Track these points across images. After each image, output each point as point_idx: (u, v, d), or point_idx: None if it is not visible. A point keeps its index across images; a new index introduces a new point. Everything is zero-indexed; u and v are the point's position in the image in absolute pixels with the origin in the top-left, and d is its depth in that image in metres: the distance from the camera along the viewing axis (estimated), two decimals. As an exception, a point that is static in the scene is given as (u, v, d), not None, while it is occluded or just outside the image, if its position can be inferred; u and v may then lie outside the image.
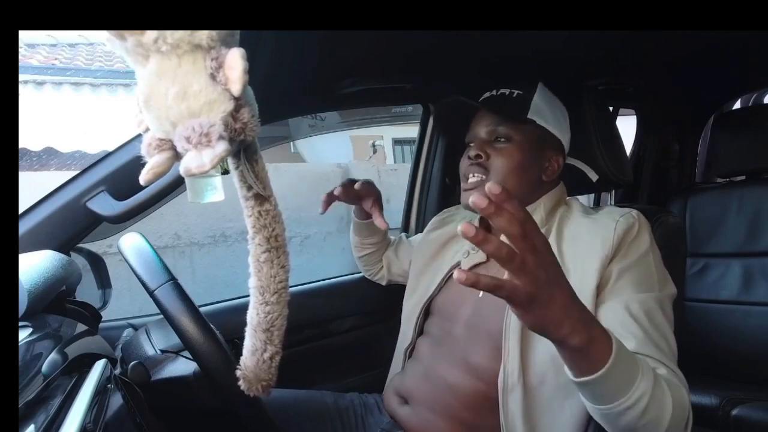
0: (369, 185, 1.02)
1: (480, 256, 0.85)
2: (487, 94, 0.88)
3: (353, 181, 1.01)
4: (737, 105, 1.85)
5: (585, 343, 0.49)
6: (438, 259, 0.96)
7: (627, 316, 0.69)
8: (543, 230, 0.80)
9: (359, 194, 1.02)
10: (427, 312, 0.93)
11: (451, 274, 0.90)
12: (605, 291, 0.72)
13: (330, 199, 1.00)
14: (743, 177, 1.55)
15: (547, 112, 0.84)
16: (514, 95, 0.84)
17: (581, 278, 0.73)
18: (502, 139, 0.82)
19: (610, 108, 1.45)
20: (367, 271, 1.18)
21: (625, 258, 0.72)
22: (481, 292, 0.75)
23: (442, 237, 0.98)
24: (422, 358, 0.88)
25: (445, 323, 0.87)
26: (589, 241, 0.75)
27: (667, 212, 1.01)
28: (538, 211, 0.83)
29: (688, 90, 1.52)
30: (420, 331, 0.93)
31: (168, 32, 0.43)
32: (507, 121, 0.82)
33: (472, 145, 0.85)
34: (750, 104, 1.92)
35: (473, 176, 0.83)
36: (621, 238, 0.73)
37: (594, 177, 0.93)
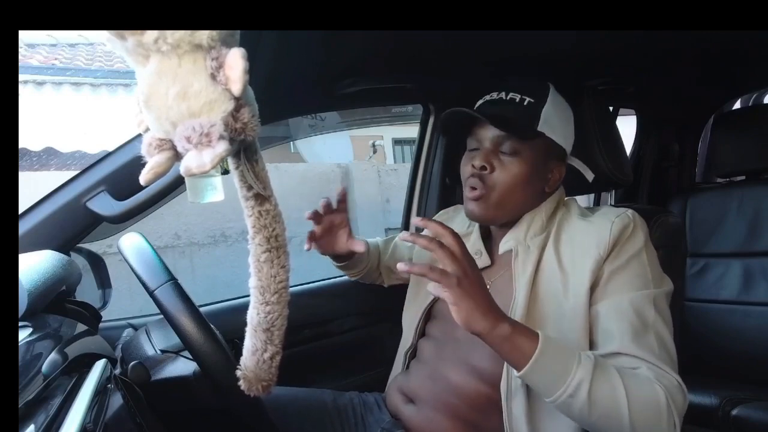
0: (340, 204, 0.93)
1: (483, 261, 0.84)
2: (494, 95, 0.82)
3: (328, 206, 0.92)
4: (737, 105, 1.85)
5: (510, 332, 0.60)
6: (437, 262, 0.95)
7: (615, 316, 0.69)
8: (543, 235, 0.80)
9: (332, 223, 0.94)
10: (428, 315, 0.93)
11: None
12: (597, 291, 0.72)
13: (311, 237, 0.93)
14: (743, 177, 1.55)
15: (555, 122, 0.80)
16: (525, 103, 0.79)
17: (577, 280, 0.73)
18: (508, 152, 0.78)
19: (610, 108, 1.45)
20: (366, 281, 1.17)
21: (618, 257, 0.72)
22: None
23: (442, 239, 0.97)
24: (426, 358, 0.88)
25: (447, 326, 0.87)
26: (585, 242, 0.75)
27: (667, 212, 1.01)
28: (539, 216, 0.82)
29: (688, 90, 1.52)
30: (421, 334, 0.93)
31: (168, 32, 0.43)
32: (515, 135, 0.78)
33: (477, 151, 0.81)
34: (750, 104, 1.91)
35: (473, 190, 0.80)
36: (616, 238, 0.73)
37: (590, 177, 0.93)
